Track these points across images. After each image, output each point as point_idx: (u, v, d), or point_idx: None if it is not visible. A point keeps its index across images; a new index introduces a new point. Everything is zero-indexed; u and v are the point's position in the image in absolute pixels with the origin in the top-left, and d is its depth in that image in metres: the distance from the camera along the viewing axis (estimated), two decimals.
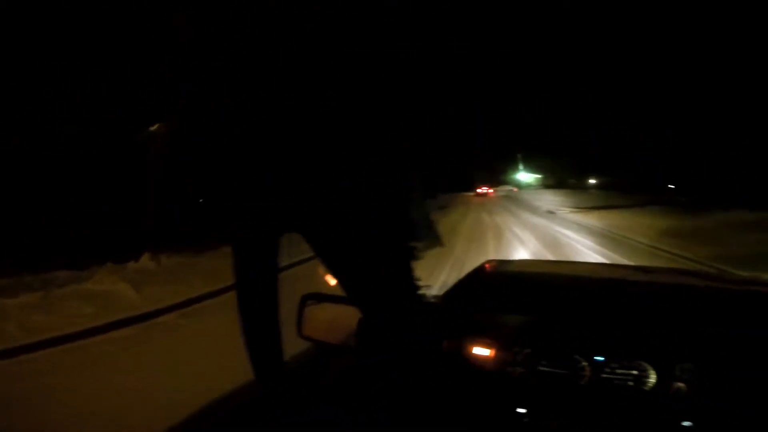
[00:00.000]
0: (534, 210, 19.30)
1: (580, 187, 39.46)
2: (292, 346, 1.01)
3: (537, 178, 48.76)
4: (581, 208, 19.60)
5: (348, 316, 0.88)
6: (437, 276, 5.51)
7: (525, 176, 48.21)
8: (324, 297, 1.06)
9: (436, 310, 1.13)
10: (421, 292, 0.89)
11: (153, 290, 4.64)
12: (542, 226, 12.24)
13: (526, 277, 1.44)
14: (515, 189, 44.62)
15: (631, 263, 6.72)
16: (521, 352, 0.90)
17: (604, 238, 10.07)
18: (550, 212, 18.14)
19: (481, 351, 0.93)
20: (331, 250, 0.67)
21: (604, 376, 0.84)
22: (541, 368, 0.88)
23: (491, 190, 41.16)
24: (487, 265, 1.64)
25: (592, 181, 39.90)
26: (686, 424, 0.78)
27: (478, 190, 39.91)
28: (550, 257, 7.18)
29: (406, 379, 0.77)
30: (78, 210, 7.77)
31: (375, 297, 0.71)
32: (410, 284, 0.74)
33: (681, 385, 0.81)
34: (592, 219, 14.72)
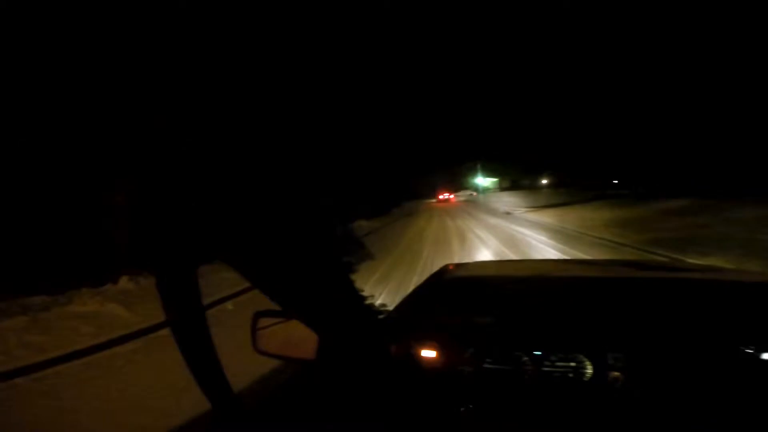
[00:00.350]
0: (493, 212, 20.45)
1: (533, 187, 41.51)
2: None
3: (494, 181, 50.86)
4: (535, 207, 20.98)
5: (301, 329, 0.87)
6: (410, 279, 6.03)
7: (483, 180, 50.12)
8: (276, 313, 1.06)
9: (386, 318, 1.17)
10: (367, 303, 0.90)
11: (143, 308, 4.79)
12: (501, 227, 13.15)
13: (476, 280, 1.49)
14: (474, 193, 46.09)
15: (578, 253, 7.60)
16: (467, 352, 0.93)
17: (555, 232, 11.08)
18: (507, 213, 19.33)
19: (428, 353, 0.95)
20: (259, 274, 0.65)
21: (545, 369, 0.88)
22: (486, 366, 0.91)
23: (452, 196, 41.57)
24: (442, 270, 1.71)
25: (544, 181, 42.19)
26: (625, 411, 0.82)
27: (440, 197, 40.19)
28: (509, 253, 7.90)
29: (359, 387, 0.78)
30: (41, 235, 7.57)
31: (315, 313, 0.72)
32: (351, 297, 0.75)
33: (616, 374, 0.85)
34: (544, 216, 15.94)
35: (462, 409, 0.84)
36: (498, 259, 7.19)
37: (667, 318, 0.99)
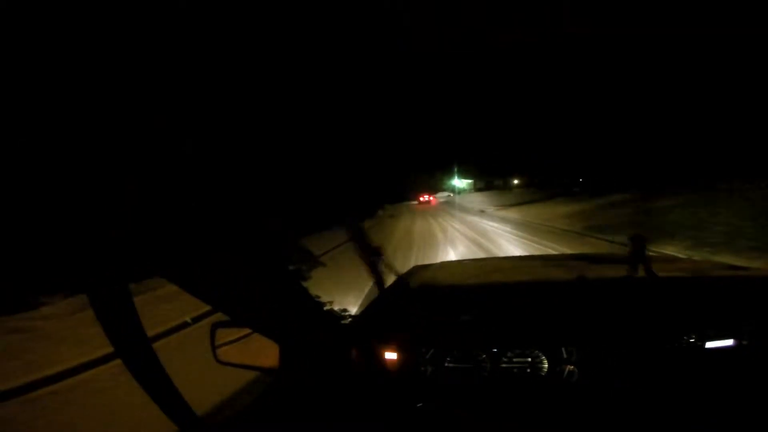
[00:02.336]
0: (468, 210, 23.12)
1: (505, 187, 44.56)
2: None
3: (469, 182, 53.95)
4: (505, 205, 23.83)
5: (261, 338, 0.85)
6: (410, 258, 8.31)
7: (459, 182, 53.09)
8: (234, 323, 1.04)
9: (351, 322, 1.22)
10: (326, 309, 0.93)
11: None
12: (475, 222, 15.66)
13: (440, 282, 1.51)
14: (451, 194, 48.56)
15: (533, 237, 10.11)
16: (428, 352, 0.96)
17: (518, 224, 13.68)
18: (482, 211, 22.06)
19: (390, 355, 0.97)
20: (200, 288, 0.61)
21: (503, 366, 0.92)
22: (448, 365, 0.95)
23: (433, 198, 42.92)
24: (410, 272, 1.75)
25: (515, 181, 45.34)
26: (582, 404, 0.86)
27: (421, 199, 40.97)
28: (482, 241, 10.27)
29: (323, 393, 0.79)
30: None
31: (266, 323, 0.71)
32: (302, 305, 0.74)
33: (571, 367, 0.90)
34: (512, 213, 18.68)
35: (428, 406, 0.85)
36: (473, 244, 9.57)
37: (618, 311, 1.02)
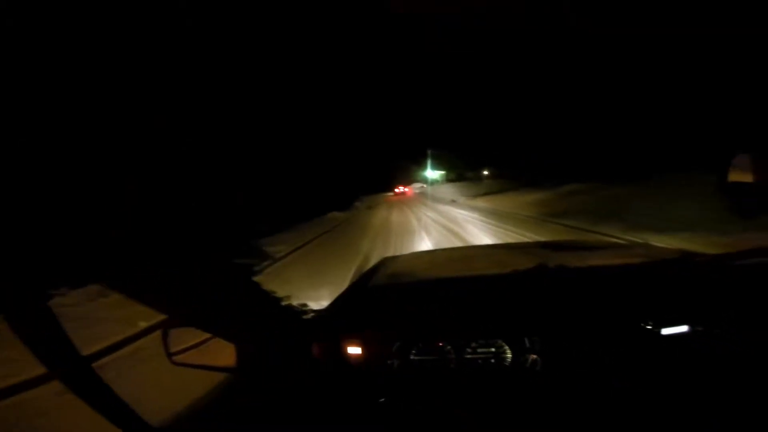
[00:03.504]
0: (441, 201, 24.42)
1: (476, 178, 46.09)
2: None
3: (442, 174, 55.36)
4: (475, 195, 25.27)
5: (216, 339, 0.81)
6: (388, 240, 9.27)
7: (432, 173, 54.44)
8: (186, 323, 1.04)
9: (315, 317, 1.20)
10: (284, 304, 0.89)
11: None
12: (447, 211, 16.82)
13: (407, 272, 1.49)
14: (425, 185, 50.02)
15: (497, 221, 11.27)
16: (393, 346, 0.96)
17: (485, 212, 14.92)
18: (453, 201, 23.39)
19: (354, 350, 0.97)
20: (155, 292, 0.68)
21: (468, 357, 0.94)
22: (413, 357, 0.96)
23: (408, 189, 44.57)
24: (378, 265, 1.74)
25: (485, 172, 46.98)
26: (545, 393, 0.88)
27: (396, 190, 42.60)
28: (453, 227, 11.30)
29: (283, 391, 0.78)
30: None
31: (219, 320, 0.70)
32: (254, 302, 0.70)
33: (534, 356, 0.92)
34: (481, 202, 20.04)
35: (394, 398, 0.84)
36: (444, 230, 10.63)
37: (579, 300, 1.03)
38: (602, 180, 17.97)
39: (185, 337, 1.00)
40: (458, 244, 7.99)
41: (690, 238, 6.26)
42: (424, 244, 8.37)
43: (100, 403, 0.64)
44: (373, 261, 7.04)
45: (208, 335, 0.99)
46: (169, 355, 1.01)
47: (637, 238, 6.67)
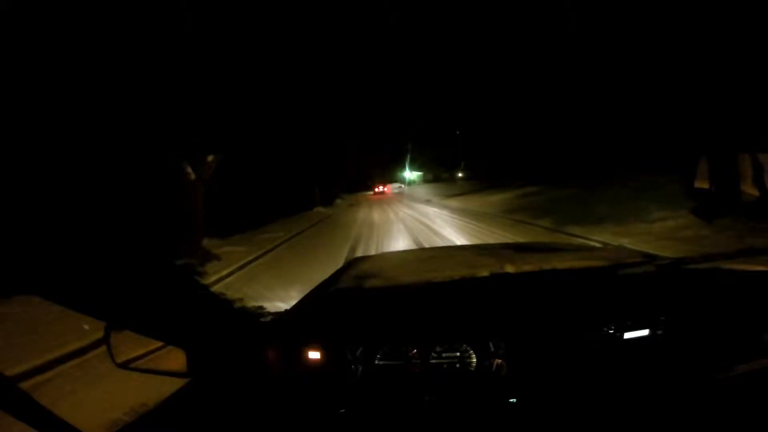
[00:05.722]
0: (417, 200, 26.88)
1: (451, 179, 48.61)
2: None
3: (419, 175, 57.83)
4: (448, 195, 27.74)
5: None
6: (370, 234, 11.40)
7: (409, 174, 56.79)
8: (132, 326, 0.93)
9: (273, 320, 1.14)
10: (236, 307, 0.91)
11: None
12: (422, 209, 19.09)
13: (374, 274, 1.46)
14: (402, 185, 52.29)
15: (464, 218, 13.54)
16: (356, 351, 0.94)
17: (455, 210, 17.30)
18: (428, 200, 25.80)
19: (313, 355, 0.94)
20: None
21: (433, 361, 0.93)
22: (378, 362, 0.94)
23: (387, 188, 46.73)
24: (348, 265, 1.73)
25: (460, 174, 49.59)
26: (511, 398, 0.87)
27: (376, 189, 44.58)
28: (427, 222, 13.42)
29: (235, 397, 0.75)
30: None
31: (165, 323, 0.66)
32: (208, 302, 0.68)
33: (499, 361, 0.91)
34: (452, 202, 22.47)
35: (359, 403, 0.82)
36: (418, 223, 12.80)
37: (542, 303, 1.03)
38: (552, 183, 20.31)
39: (142, 341, 0.97)
40: (427, 232, 10.21)
41: (594, 228, 8.67)
42: (402, 232, 10.56)
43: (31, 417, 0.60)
44: (362, 242, 9.38)
45: (161, 346, 0.95)
46: (112, 356, 0.97)
47: (561, 230, 9.13)
